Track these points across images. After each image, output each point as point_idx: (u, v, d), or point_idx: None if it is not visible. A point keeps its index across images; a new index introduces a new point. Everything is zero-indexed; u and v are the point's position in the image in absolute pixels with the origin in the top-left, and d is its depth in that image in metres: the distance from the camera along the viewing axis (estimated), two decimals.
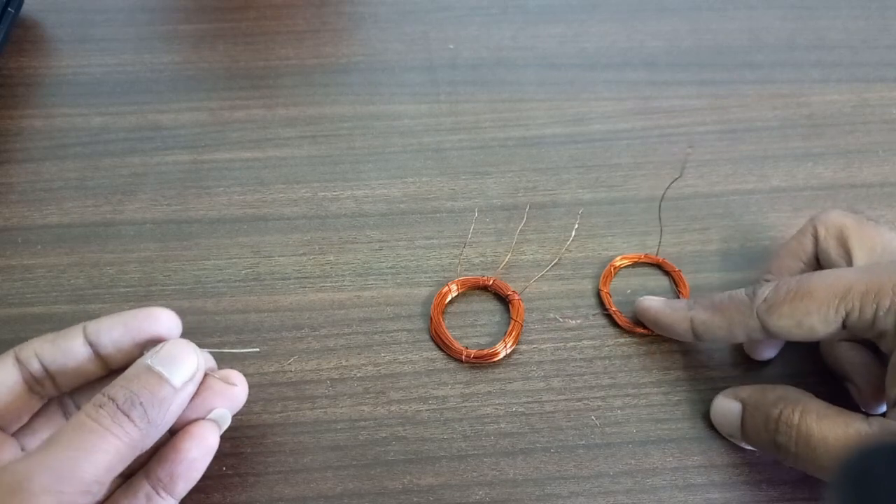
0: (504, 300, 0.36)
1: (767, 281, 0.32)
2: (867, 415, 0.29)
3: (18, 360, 0.29)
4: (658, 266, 0.38)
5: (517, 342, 0.35)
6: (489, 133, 0.43)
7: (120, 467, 0.26)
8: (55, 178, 0.41)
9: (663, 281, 0.38)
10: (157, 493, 0.29)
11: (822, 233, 0.33)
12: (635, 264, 0.38)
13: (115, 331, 0.29)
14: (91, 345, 0.29)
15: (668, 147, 0.42)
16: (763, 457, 0.32)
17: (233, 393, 0.30)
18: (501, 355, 0.35)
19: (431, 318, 0.36)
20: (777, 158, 0.42)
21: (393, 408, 0.33)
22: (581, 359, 0.35)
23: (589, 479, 0.32)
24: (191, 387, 0.28)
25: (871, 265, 0.31)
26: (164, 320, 0.30)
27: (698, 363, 0.35)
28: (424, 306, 0.36)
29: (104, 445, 0.25)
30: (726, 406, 0.32)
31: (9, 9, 0.45)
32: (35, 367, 0.29)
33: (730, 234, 0.39)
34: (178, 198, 0.40)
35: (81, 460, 0.25)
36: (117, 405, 0.26)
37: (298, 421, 0.33)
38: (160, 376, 0.27)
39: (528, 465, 0.32)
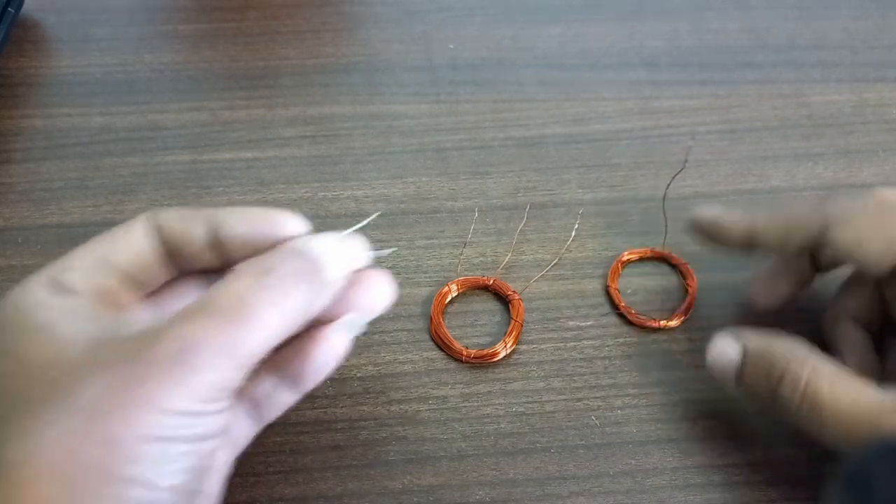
0: (504, 300, 0.36)
1: None
2: (881, 383, 0.28)
3: (148, 226, 0.27)
4: (664, 260, 0.38)
5: (517, 342, 0.35)
6: (489, 133, 0.43)
7: (271, 346, 0.25)
8: (55, 178, 0.41)
9: (671, 276, 0.37)
10: (278, 382, 0.28)
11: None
12: (641, 259, 0.38)
13: (242, 225, 0.27)
14: (214, 231, 0.27)
15: (668, 147, 0.42)
16: (763, 457, 0.32)
17: (378, 289, 0.29)
18: (501, 355, 0.34)
19: (431, 318, 0.36)
20: (777, 158, 0.42)
21: (393, 408, 0.33)
22: (581, 359, 0.35)
23: (589, 479, 0.32)
24: (342, 280, 0.27)
25: None
26: (292, 226, 0.28)
27: (698, 363, 0.35)
28: (424, 306, 0.36)
29: (266, 323, 0.24)
30: (728, 348, 0.31)
31: (9, 9, 0.45)
32: (169, 235, 0.27)
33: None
34: (179, 198, 0.40)
35: (245, 338, 0.24)
36: (279, 276, 0.25)
37: (298, 421, 0.33)
38: (314, 262, 0.26)
39: (528, 465, 0.32)
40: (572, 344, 0.35)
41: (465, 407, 0.34)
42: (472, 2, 0.50)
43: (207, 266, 0.28)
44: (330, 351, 0.28)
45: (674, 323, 0.36)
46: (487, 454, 0.32)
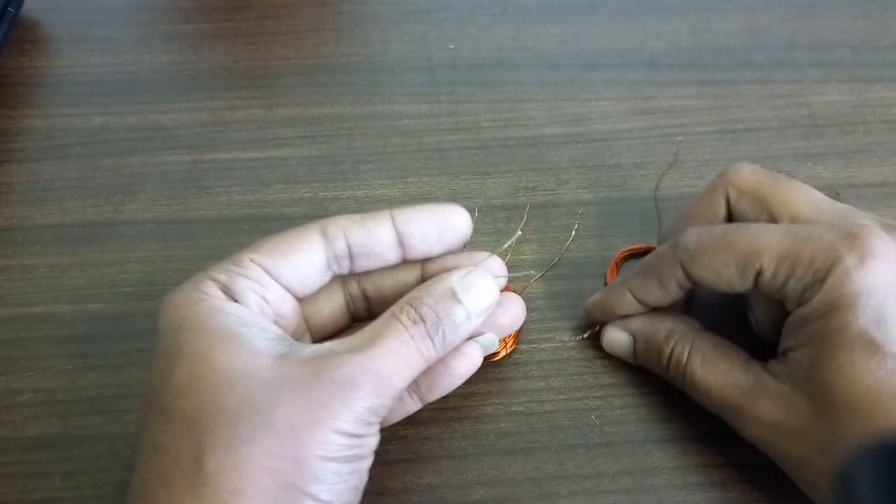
0: None
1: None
2: (749, 357, 0.31)
3: (325, 236, 0.29)
4: None
5: (517, 342, 0.35)
6: (489, 133, 0.43)
7: (408, 383, 0.27)
8: (55, 178, 0.41)
9: None
10: (410, 395, 0.30)
11: (733, 195, 0.33)
12: (637, 254, 0.38)
13: (424, 222, 0.29)
14: (398, 233, 0.29)
15: (668, 147, 0.42)
16: (763, 457, 0.32)
17: (515, 312, 0.31)
18: (501, 355, 0.35)
19: None
20: (777, 158, 0.42)
21: None
22: (581, 359, 0.35)
23: (589, 479, 0.32)
24: (482, 319, 0.29)
25: (797, 228, 0.30)
26: (465, 220, 0.30)
27: None
28: None
29: (413, 361, 0.27)
30: (617, 337, 0.34)
31: (9, 9, 0.45)
32: (340, 245, 0.29)
33: None
34: (179, 198, 0.40)
35: (398, 372, 0.26)
36: (426, 327, 0.27)
37: None
38: (462, 305, 0.28)
39: (528, 464, 0.32)
40: (572, 344, 0.35)
41: (466, 406, 0.34)
42: (472, 2, 0.50)
43: (389, 264, 0.30)
44: (468, 366, 0.30)
45: None
46: (487, 454, 0.32)
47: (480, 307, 0.29)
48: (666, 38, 0.48)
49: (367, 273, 0.31)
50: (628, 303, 0.33)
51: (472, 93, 0.45)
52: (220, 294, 0.27)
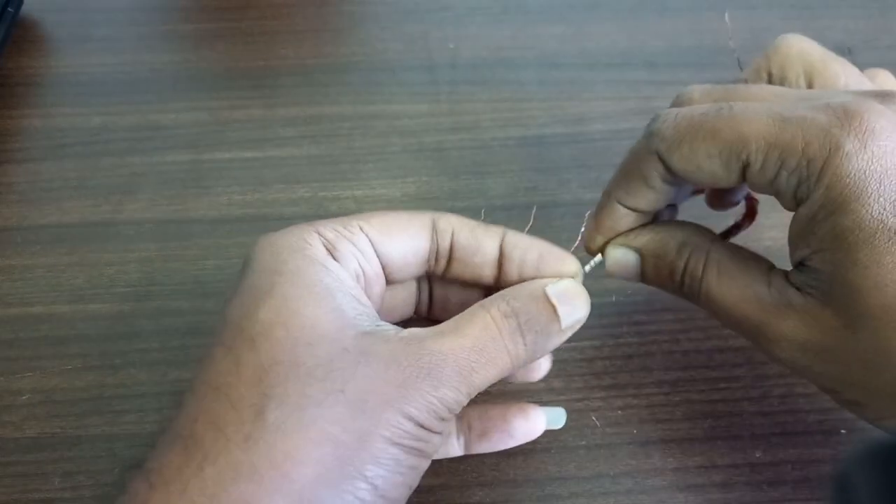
0: None
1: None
2: (772, 267, 0.28)
3: (435, 229, 0.28)
4: None
5: (752, 220, 0.33)
6: (489, 133, 0.43)
7: (495, 381, 0.25)
8: (55, 178, 0.41)
9: None
10: (457, 436, 0.29)
11: (776, 70, 0.29)
12: None
13: (531, 252, 0.28)
14: (501, 253, 0.28)
15: None
16: (763, 457, 0.32)
17: (541, 364, 0.30)
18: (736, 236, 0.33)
19: None
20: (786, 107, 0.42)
21: None
22: (581, 359, 0.35)
23: (589, 480, 0.32)
24: (569, 334, 0.27)
25: (786, 107, 0.26)
26: (574, 269, 0.28)
27: (698, 363, 0.35)
28: None
29: (497, 359, 0.25)
30: (621, 256, 0.30)
31: (9, 9, 0.45)
32: (445, 243, 0.28)
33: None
34: (178, 198, 0.40)
35: (481, 368, 0.25)
36: (519, 323, 0.25)
37: None
38: (555, 311, 0.26)
39: (528, 465, 0.32)
40: (573, 344, 0.35)
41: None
42: (472, 1, 0.50)
43: (477, 280, 0.28)
44: (527, 430, 0.30)
45: None
46: (488, 455, 0.32)
47: (573, 317, 0.27)
48: (666, 37, 0.48)
49: (451, 283, 0.30)
50: (621, 215, 0.30)
51: (472, 92, 0.45)
52: (323, 249, 0.26)
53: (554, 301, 0.26)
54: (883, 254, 0.24)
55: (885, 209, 0.24)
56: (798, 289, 0.26)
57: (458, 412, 0.25)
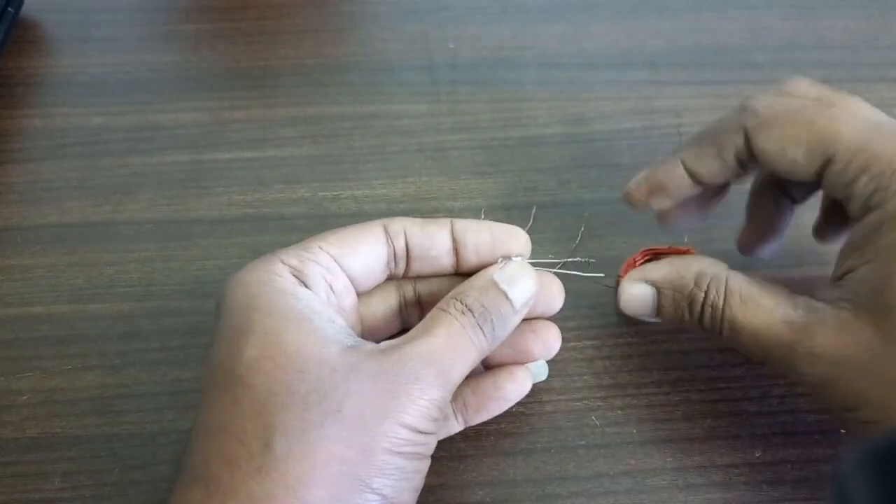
0: None
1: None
2: (793, 293, 0.28)
3: (387, 232, 0.29)
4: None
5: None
6: (489, 133, 0.43)
7: (462, 378, 0.27)
8: (55, 178, 0.41)
9: None
10: (455, 415, 0.30)
11: (753, 128, 0.29)
12: (660, 255, 0.35)
13: (482, 235, 0.29)
14: (455, 241, 0.29)
15: (669, 147, 0.42)
16: (763, 457, 0.32)
17: (550, 339, 0.31)
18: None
19: None
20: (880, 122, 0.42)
21: None
22: (581, 359, 0.35)
23: (589, 480, 0.32)
24: (525, 311, 0.29)
25: (884, 123, 0.28)
26: (523, 242, 0.30)
27: (698, 363, 0.35)
28: None
29: (467, 351, 0.26)
30: (638, 291, 0.31)
31: (9, 9, 0.45)
32: (399, 244, 0.29)
33: (731, 235, 0.38)
34: (178, 198, 0.40)
35: (456, 363, 0.26)
36: (474, 316, 0.27)
37: None
38: (505, 295, 0.28)
39: (528, 465, 0.32)
40: (572, 344, 0.35)
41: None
42: (472, 2, 0.50)
43: (441, 271, 0.30)
44: (517, 390, 0.31)
45: None
46: (487, 454, 0.32)
47: (523, 295, 0.28)
48: (666, 37, 0.48)
49: (424, 280, 0.31)
50: (678, 176, 0.30)
51: (472, 92, 0.45)
52: (290, 277, 0.27)
53: (503, 287, 0.28)
54: None
55: None
56: (829, 304, 0.27)
57: (445, 408, 0.26)
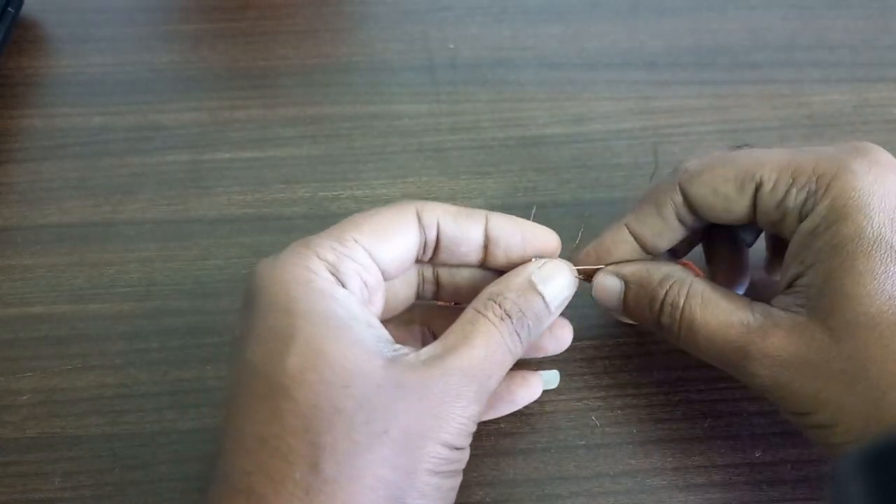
0: None
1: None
2: (752, 300, 0.29)
3: (420, 221, 0.28)
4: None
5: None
6: (489, 133, 0.43)
7: (496, 386, 0.27)
8: (55, 178, 0.41)
9: None
10: None
11: (686, 181, 0.30)
12: None
13: (515, 237, 0.29)
14: (486, 237, 0.29)
15: (669, 147, 0.42)
16: (763, 457, 0.32)
17: (562, 335, 0.31)
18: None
19: None
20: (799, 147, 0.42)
21: None
22: (581, 359, 0.35)
23: (589, 480, 0.32)
24: (559, 313, 0.29)
25: (799, 149, 0.29)
26: (555, 247, 0.30)
27: (698, 363, 0.35)
28: None
29: (504, 361, 0.26)
30: (608, 283, 0.31)
31: (9, 9, 0.45)
32: (432, 234, 0.28)
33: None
34: (178, 198, 0.40)
35: (494, 374, 0.26)
36: (513, 323, 0.27)
37: None
38: (542, 297, 0.28)
39: (528, 465, 0.32)
40: (572, 344, 0.35)
41: None
42: (472, 1, 0.50)
43: (468, 264, 0.30)
44: (528, 396, 0.31)
45: None
46: (487, 454, 0.32)
47: (560, 298, 0.28)
48: (666, 38, 0.48)
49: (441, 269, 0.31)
50: (623, 240, 0.31)
51: (472, 93, 0.45)
52: (328, 276, 0.26)
53: (541, 288, 0.28)
54: (879, 265, 0.25)
55: (884, 224, 0.26)
56: (783, 310, 0.27)
57: (479, 420, 0.26)
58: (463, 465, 0.26)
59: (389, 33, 0.48)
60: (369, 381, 0.24)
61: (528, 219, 0.39)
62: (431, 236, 0.28)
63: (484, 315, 0.26)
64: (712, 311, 0.28)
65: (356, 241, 0.27)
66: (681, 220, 0.31)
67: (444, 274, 0.31)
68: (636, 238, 0.31)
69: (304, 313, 0.24)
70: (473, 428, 0.25)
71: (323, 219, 0.39)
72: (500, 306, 0.27)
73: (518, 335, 0.27)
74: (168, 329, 0.36)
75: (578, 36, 0.48)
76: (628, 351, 0.35)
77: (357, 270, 0.26)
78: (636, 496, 0.31)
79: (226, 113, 0.44)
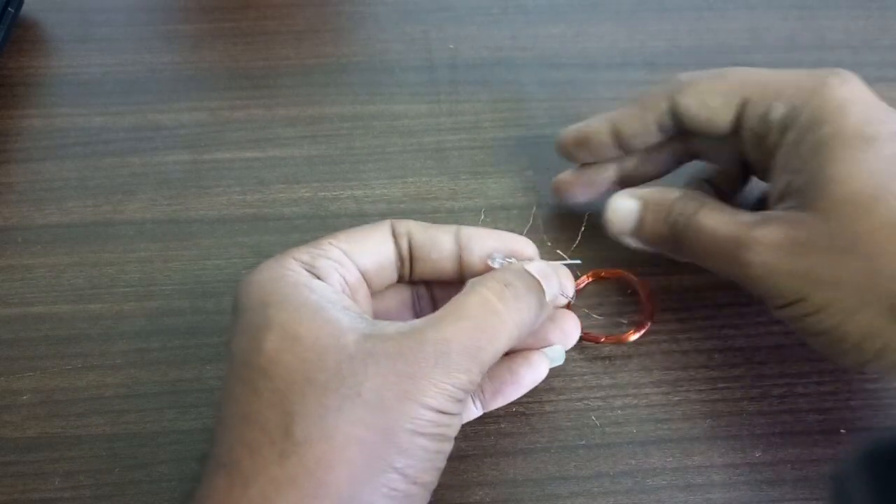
0: None
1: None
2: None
3: (394, 233, 0.30)
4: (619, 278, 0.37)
5: (652, 319, 0.35)
6: (489, 133, 0.43)
7: (501, 354, 0.27)
8: (55, 178, 0.41)
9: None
10: (473, 401, 0.31)
11: (676, 92, 0.33)
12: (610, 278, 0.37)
13: (488, 242, 0.30)
14: (459, 246, 0.30)
15: None
16: (763, 457, 0.32)
17: (569, 328, 0.32)
18: (634, 337, 0.34)
19: None
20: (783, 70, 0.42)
21: None
22: (581, 359, 0.35)
23: (589, 480, 0.32)
24: (550, 307, 0.30)
25: (788, 70, 0.32)
26: (530, 253, 0.31)
27: (698, 363, 0.35)
28: None
29: (503, 332, 0.27)
30: (625, 204, 0.33)
31: (9, 9, 0.45)
32: (404, 245, 0.30)
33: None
34: (178, 198, 0.40)
35: (485, 344, 0.26)
36: (517, 291, 0.27)
37: None
38: (539, 284, 0.29)
39: (528, 465, 0.32)
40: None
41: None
42: (472, 1, 0.50)
43: (443, 276, 0.31)
44: (533, 376, 0.31)
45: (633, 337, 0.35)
46: (487, 454, 0.32)
47: (552, 292, 0.29)
48: (666, 38, 0.48)
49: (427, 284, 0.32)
50: (601, 129, 0.33)
51: (472, 93, 0.45)
52: (303, 271, 0.27)
53: (538, 277, 0.29)
54: (859, 152, 0.28)
55: (860, 122, 0.28)
56: (779, 210, 0.29)
57: (473, 390, 0.26)
58: (452, 432, 0.26)
59: (389, 33, 0.48)
60: (341, 353, 0.25)
61: (528, 220, 0.39)
62: (404, 246, 0.30)
63: (483, 286, 0.27)
64: (717, 215, 0.30)
65: (332, 244, 0.28)
66: (660, 128, 0.32)
67: (437, 288, 0.32)
68: (615, 130, 0.33)
69: (277, 303, 0.26)
70: (461, 395, 0.26)
71: (323, 219, 0.39)
72: (496, 281, 0.27)
73: (525, 303, 0.27)
74: (168, 329, 0.36)
75: (578, 36, 0.48)
76: (628, 351, 0.35)
77: (334, 266, 0.28)
78: (636, 496, 0.31)
79: (226, 113, 0.44)
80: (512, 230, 0.38)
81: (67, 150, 0.42)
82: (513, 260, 0.30)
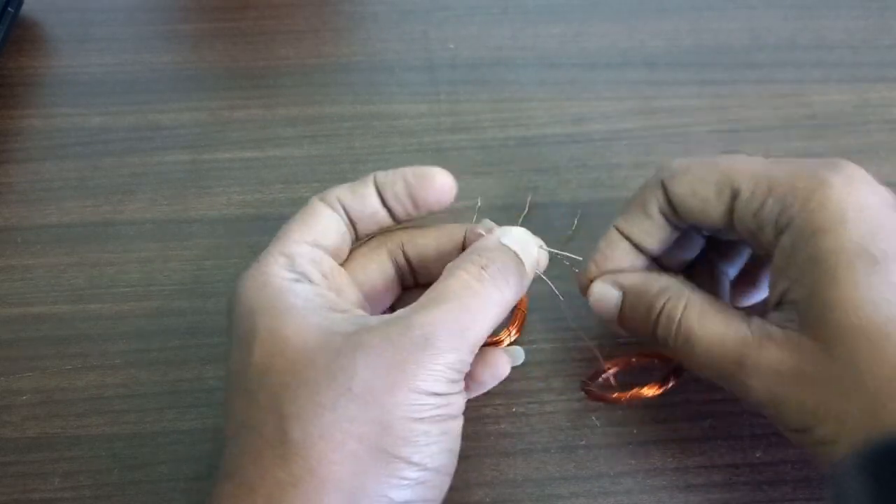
0: None
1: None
2: (749, 313, 0.29)
3: (328, 206, 0.30)
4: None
5: (521, 331, 0.35)
6: (489, 133, 0.43)
7: (489, 332, 0.27)
8: (55, 178, 0.41)
9: None
10: None
11: (669, 182, 0.31)
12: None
13: (397, 185, 0.30)
14: (380, 194, 0.30)
15: (669, 147, 0.42)
16: (763, 457, 0.32)
17: (498, 370, 0.31)
18: (506, 343, 0.34)
19: None
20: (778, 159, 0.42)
21: None
22: (581, 359, 0.35)
23: (589, 480, 0.32)
24: (533, 274, 0.29)
25: (778, 160, 0.29)
26: (442, 180, 0.30)
27: None
28: None
29: (486, 311, 0.27)
30: (606, 292, 0.32)
31: (9, 9, 0.45)
32: (340, 211, 0.30)
33: None
34: (178, 198, 0.40)
35: (470, 324, 0.26)
36: (488, 274, 0.27)
37: None
38: (517, 255, 0.28)
39: (528, 465, 0.32)
40: (572, 344, 0.35)
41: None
42: (472, 1, 0.50)
43: (381, 225, 0.31)
44: (493, 375, 0.31)
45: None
46: (487, 454, 0.32)
47: (530, 258, 0.29)
48: (666, 38, 0.48)
49: (410, 242, 0.32)
50: (615, 242, 0.32)
51: (472, 92, 0.45)
52: (285, 273, 0.28)
53: (507, 242, 0.29)
54: (861, 275, 0.25)
55: (864, 236, 0.26)
56: (777, 325, 0.27)
57: (468, 369, 0.26)
58: (455, 410, 0.26)
59: (389, 33, 0.48)
60: (330, 353, 0.25)
61: (523, 210, 0.39)
62: (342, 212, 0.30)
63: (461, 269, 0.27)
64: (709, 323, 0.28)
65: (296, 241, 0.29)
66: (667, 219, 0.31)
67: (414, 256, 0.32)
68: (627, 238, 0.32)
69: (263, 310, 0.27)
70: (455, 375, 0.26)
71: None
72: (472, 263, 0.27)
73: (498, 288, 0.27)
74: (168, 329, 0.36)
75: (578, 36, 0.48)
76: (628, 351, 0.35)
77: (310, 263, 0.28)
78: (636, 496, 0.31)
79: (226, 113, 0.44)
80: None
81: (67, 150, 0.42)
82: (492, 227, 0.30)
